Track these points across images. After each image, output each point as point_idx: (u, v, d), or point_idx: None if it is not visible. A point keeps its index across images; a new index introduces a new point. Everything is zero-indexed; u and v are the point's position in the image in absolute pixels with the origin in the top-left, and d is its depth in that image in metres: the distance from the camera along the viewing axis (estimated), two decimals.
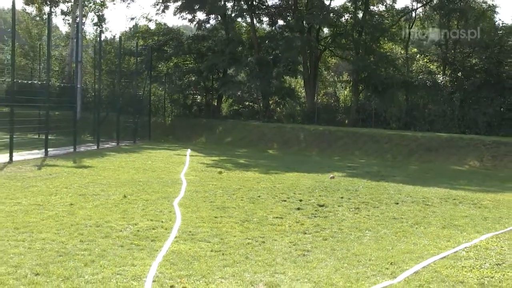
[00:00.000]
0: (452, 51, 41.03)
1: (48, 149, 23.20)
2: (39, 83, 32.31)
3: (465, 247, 9.91)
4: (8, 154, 20.23)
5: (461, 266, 8.57)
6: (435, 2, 41.50)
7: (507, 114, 33.30)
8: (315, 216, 12.46)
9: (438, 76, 40.82)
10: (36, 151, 23.05)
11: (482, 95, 36.09)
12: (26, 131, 27.22)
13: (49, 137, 23.96)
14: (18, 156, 20.75)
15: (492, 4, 41.22)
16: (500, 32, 40.13)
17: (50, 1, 47.14)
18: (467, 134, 33.01)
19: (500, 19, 42.21)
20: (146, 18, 46.58)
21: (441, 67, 41.34)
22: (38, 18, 48.19)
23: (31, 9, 48.05)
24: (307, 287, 7.42)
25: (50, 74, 29.67)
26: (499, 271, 7.24)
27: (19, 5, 46.63)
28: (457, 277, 8.09)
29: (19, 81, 30.59)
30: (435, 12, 41.84)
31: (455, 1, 40.21)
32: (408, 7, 43.49)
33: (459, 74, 39.79)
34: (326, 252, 9.35)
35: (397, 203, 14.66)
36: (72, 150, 25.45)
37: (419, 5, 42.91)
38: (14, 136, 21.30)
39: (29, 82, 34.06)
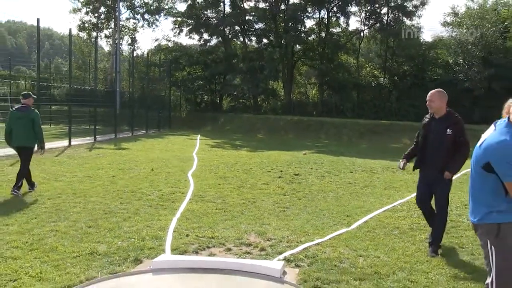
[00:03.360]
0: (390, 61, 41.08)
1: (96, 136, 23.18)
2: (89, 88, 32.13)
3: (400, 203, 9.96)
4: (67, 140, 20.19)
5: (397, 216, 8.60)
6: (377, 25, 41.51)
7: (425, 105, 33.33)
8: (292, 182, 12.46)
9: (380, 79, 40.82)
10: (88, 138, 22.99)
11: (412, 93, 36.14)
12: (80, 123, 27.12)
13: (97, 128, 23.91)
14: (74, 141, 20.70)
15: (417, 26, 41.20)
16: (423, 47, 40.30)
17: (96, 28, 47.01)
18: (402, 121, 33.07)
19: (423, 38, 42.07)
20: (166, 39, 46.57)
21: (382, 73, 41.34)
22: (88, 41, 47.93)
23: (83, 34, 47.89)
24: (286, 234, 7.41)
25: (97, 82, 29.54)
26: (423, 219, 7.24)
27: (74, 31, 46.48)
28: (394, 224, 8.12)
29: (75, 87, 30.41)
30: (377, 33, 41.79)
31: (392, 25, 40.26)
32: (358, 28, 43.45)
33: (395, 77, 39.90)
34: (300, 208, 9.35)
35: (352, 172, 14.68)
36: (113, 136, 25.42)
37: (365, 28, 42.90)
38: (71, 127, 21.28)
39: (82, 87, 33.86)
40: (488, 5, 39.08)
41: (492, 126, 3.95)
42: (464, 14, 39.53)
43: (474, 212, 3.99)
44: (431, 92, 6.74)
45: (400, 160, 7.14)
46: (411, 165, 7.15)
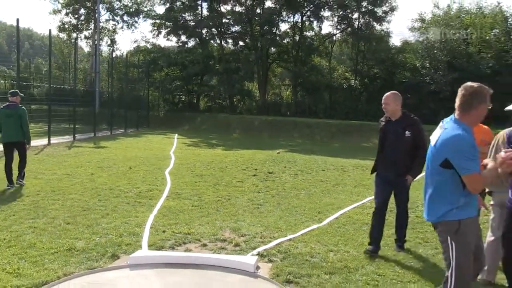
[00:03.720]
0: (361, 64, 41.38)
1: (76, 135, 22.88)
2: (69, 87, 31.71)
3: (369, 200, 9.98)
4: (47, 139, 19.93)
5: (366, 213, 8.64)
6: (349, 30, 41.77)
7: None
8: (266, 180, 12.47)
9: (352, 81, 41.09)
10: (67, 136, 22.70)
11: (382, 95, 35.89)
12: (59, 122, 26.77)
13: (76, 126, 23.60)
14: (54, 140, 20.43)
15: (387, 31, 41.66)
16: (392, 51, 40.73)
17: (76, 29, 46.52)
18: (372, 122, 33.27)
19: (392, 42, 42.63)
20: (145, 40, 46.31)
21: (354, 75, 41.60)
22: (68, 41, 47.36)
23: (63, 35, 47.36)
24: (259, 230, 7.41)
25: (76, 82, 29.19)
26: (392, 215, 7.29)
27: (54, 32, 45.90)
28: (363, 220, 8.17)
29: (55, 86, 29.99)
30: (349, 37, 42.07)
31: (363, 30, 40.56)
32: (330, 32, 43.72)
33: (366, 80, 40.20)
34: (274, 205, 9.36)
35: (324, 170, 14.74)
36: (92, 135, 25.15)
37: (338, 32, 43.18)
38: (51, 126, 21.01)
39: (62, 87, 33.42)
40: (452, 12, 39.71)
41: (441, 124, 4.05)
42: (430, 20, 40.10)
43: (432, 211, 4.03)
44: (385, 95, 6.55)
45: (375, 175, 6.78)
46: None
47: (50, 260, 5.74)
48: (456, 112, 3.97)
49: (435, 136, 3.97)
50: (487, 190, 5.48)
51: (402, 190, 6.51)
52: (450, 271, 3.93)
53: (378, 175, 6.68)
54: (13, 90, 11.41)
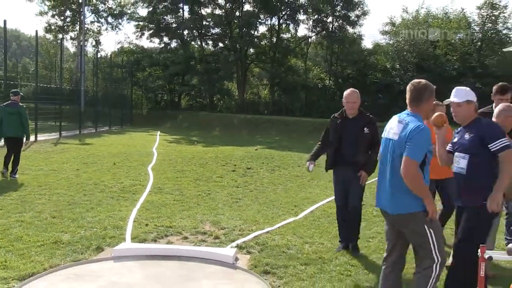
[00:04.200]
0: (335, 65, 41.58)
1: (62, 132, 22.62)
2: (55, 86, 31.33)
3: None
4: (34, 136, 19.56)
5: None
6: (324, 33, 41.94)
7: (369, 106, 33.80)
8: (244, 176, 12.48)
9: (326, 81, 41.29)
10: (53, 133, 22.42)
11: None
12: (46, 120, 26.40)
13: (62, 124, 23.33)
14: (41, 137, 20.18)
15: (359, 34, 41.94)
16: (365, 53, 41.03)
17: (62, 30, 45.92)
18: None
19: (364, 45, 43.00)
20: (129, 42, 45.91)
21: (328, 76, 41.79)
22: (54, 42, 46.73)
23: (49, 36, 46.70)
24: (238, 223, 7.42)
25: (62, 81, 28.90)
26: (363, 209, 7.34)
27: (41, 33, 45.21)
28: None
29: (41, 85, 29.62)
30: (323, 39, 42.23)
31: (337, 33, 40.75)
32: (306, 35, 43.76)
33: (340, 80, 40.37)
34: (252, 200, 9.37)
35: (299, 166, 14.78)
36: (78, 132, 24.88)
37: (313, 34, 43.30)
38: (38, 123, 20.74)
39: (48, 86, 32.99)
40: (420, 17, 40.14)
41: (398, 119, 4.06)
42: (400, 24, 40.48)
43: (398, 203, 3.95)
44: (350, 93, 6.20)
45: (308, 162, 6.46)
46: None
47: (37, 252, 5.68)
48: (409, 107, 4.04)
49: (396, 130, 3.97)
50: None
51: (356, 188, 6.19)
52: (433, 255, 3.93)
53: (336, 173, 6.40)
54: (14, 90, 12.03)
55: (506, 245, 6.43)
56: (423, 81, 4.04)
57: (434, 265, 3.95)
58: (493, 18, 37.01)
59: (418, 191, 3.86)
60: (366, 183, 6.22)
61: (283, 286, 4.95)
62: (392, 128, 4.03)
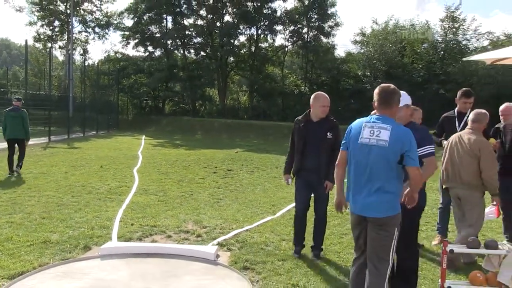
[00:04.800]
0: (310, 72, 41.82)
1: (51, 137, 22.32)
2: (44, 93, 30.94)
3: None
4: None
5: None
6: (299, 42, 42.19)
7: (342, 110, 34.04)
8: (225, 177, 12.45)
9: (302, 87, 41.52)
10: (43, 138, 22.11)
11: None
12: (36, 125, 26.00)
13: (51, 129, 23.01)
14: (30, 141, 19.51)
15: (333, 44, 42.31)
16: (338, 61, 41.37)
17: (51, 39, 45.40)
18: None
19: (338, 53, 43.40)
20: (115, 51, 45.60)
21: (304, 82, 42.01)
22: (43, 51, 46.12)
23: (39, 45, 46.07)
24: (219, 222, 7.40)
25: (51, 88, 28.58)
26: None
27: (30, 42, 44.55)
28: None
29: (31, 92, 29.22)
30: (299, 49, 42.49)
31: (311, 43, 41.02)
32: (283, 44, 44.07)
33: (315, 86, 40.45)
34: (232, 200, 9.35)
35: (277, 167, 14.79)
36: (66, 137, 24.56)
37: (289, 44, 43.56)
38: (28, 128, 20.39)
39: (38, 92, 32.56)
40: (389, 28, 40.60)
41: (368, 124, 3.86)
42: (370, 34, 40.88)
43: (379, 207, 3.79)
44: (325, 98, 5.78)
45: (285, 176, 6.17)
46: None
47: (26, 252, 5.59)
48: (380, 110, 3.89)
49: (383, 137, 3.75)
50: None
51: (322, 195, 5.83)
52: (390, 256, 3.86)
53: (300, 178, 5.95)
54: (17, 96, 12.72)
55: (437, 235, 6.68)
56: (391, 85, 3.94)
57: (390, 266, 3.89)
58: (454, 29, 37.73)
59: (419, 187, 3.98)
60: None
61: (261, 281, 4.95)
62: (375, 135, 3.79)
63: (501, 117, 6.61)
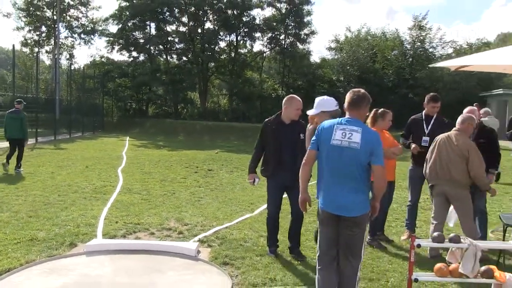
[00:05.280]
0: (287, 77, 41.97)
1: (38, 138, 22.02)
2: (32, 96, 30.43)
3: None
4: None
5: None
6: (277, 48, 42.35)
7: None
8: (206, 177, 12.44)
9: (279, 91, 41.55)
10: (30, 139, 21.61)
11: (304, 104, 37.01)
12: None
13: (38, 130, 22.72)
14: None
15: (308, 50, 42.64)
16: (313, 66, 41.65)
17: (38, 44, 44.69)
18: None
19: (313, 59, 43.75)
20: (100, 56, 45.03)
21: (281, 86, 42.11)
22: (30, 55, 45.35)
23: (26, 49, 45.32)
24: (200, 219, 7.39)
25: (38, 91, 28.19)
26: (313, 205, 7.39)
27: (18, 46, 43.74)
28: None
29: (18, 95, 28.73)
30: (277, 54, 42.65)
31: (288, 49, 41.21)
32: (261, 50, 44.10)
33: (291, 90, 40.44)
34: (212, 198, 9.35)
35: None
36: (53, 138, 24.24)
37: (267, 50, 43.67)
38: None
39: (25, 95, 32.01)
40: (361, 35, 41.02)
41: (340, 126, 3.82)
42: (344, 41, 41.24)
43: (354, 207, 3.77)
44: (299, 101, 5.82)
45: (249, 176, 6.06)
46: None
47: (13, 249, 5.52)
48: (350, 112, 3.87)
49: (355, 139, 3.73)
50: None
51: (297, 196, 5.33)
52: (362, 254, 3.90)
53: (273, 180, 5.73)
54: (18, 99, 13.27)
55: (406, 228, 6.80)
56: (362, 90, 3.97)
57: (361, 263, 3.93)
58: (421, 38, 38.31)
59: (383, 191, 3.94)
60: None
61: (240, 275, 4.97)
62: (347, 137, 3.75)
63: None
